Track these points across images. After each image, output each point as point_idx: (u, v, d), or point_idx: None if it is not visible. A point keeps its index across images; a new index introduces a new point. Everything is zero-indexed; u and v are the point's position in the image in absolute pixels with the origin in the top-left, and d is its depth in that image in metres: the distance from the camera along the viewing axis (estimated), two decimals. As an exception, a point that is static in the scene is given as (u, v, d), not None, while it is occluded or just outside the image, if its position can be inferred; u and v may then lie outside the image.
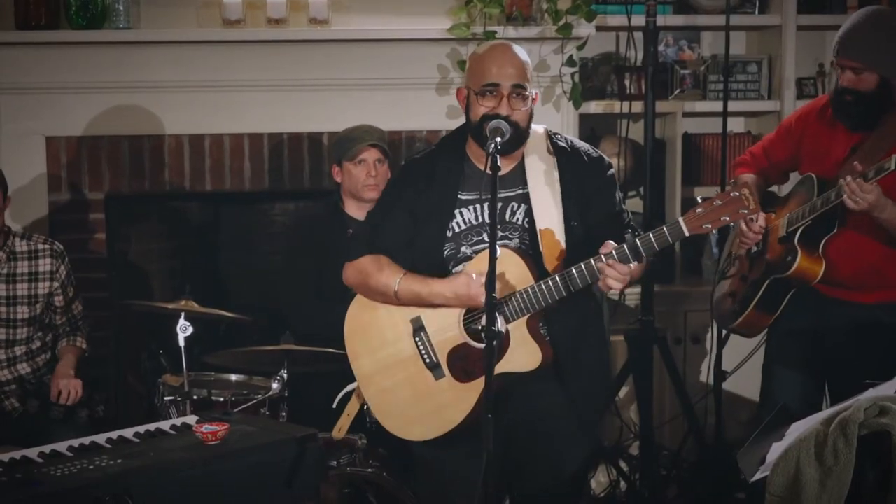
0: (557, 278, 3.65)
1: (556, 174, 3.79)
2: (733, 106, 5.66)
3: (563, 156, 3.83)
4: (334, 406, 4.20)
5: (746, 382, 5.56)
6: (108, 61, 5.35)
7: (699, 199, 3.61)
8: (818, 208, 4.13)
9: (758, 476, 3.52)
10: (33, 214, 5.43)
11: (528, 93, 3.71)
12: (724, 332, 5.14)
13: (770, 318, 4.42)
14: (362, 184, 4.82)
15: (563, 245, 3.73)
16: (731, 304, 4.56)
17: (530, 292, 3.66)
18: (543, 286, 3.65)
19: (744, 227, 4.32)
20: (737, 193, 3.54)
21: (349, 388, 4.13)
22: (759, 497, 3.50)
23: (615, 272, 3.57)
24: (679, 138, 5.76)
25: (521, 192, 3.79)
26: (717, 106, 5.67)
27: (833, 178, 4.14)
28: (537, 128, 3.87)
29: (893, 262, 4.22)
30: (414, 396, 3.81)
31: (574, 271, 3.63)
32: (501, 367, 3.69)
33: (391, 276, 3.80)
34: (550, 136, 3.87)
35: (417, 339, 3.79)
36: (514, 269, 3.69)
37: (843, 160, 4.19)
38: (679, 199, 5.70)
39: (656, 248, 3.60)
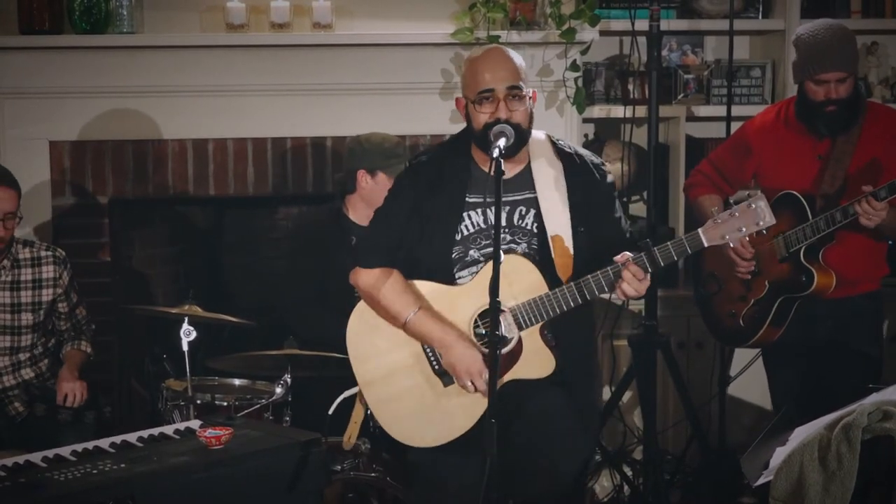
0: (573, 286, 3.64)
1: (563, 180, 3.79)
2: (737, 110, 5.65)
3: (569, 161, 3.82)
4: (330, 413, 4.17)
5: (750, 387, 5.57)
6: (111, 66, 5.36)
7: (716, 210, 3.60)
8: (822, 228, 4.30)
9: (761, 481, 3.52)
10: (37, 219, 5.44)
11: (524, 93, 3.70)
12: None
13: (780, 331, 4.55)
14: None
15: (572, 252, 3.73)
16: (733, 323, 4.66)
17: (545, 299, 3.66)
18: (559, 294, 3.65)
19: (735, 257, 4.49)
20: (753, 205, 3.55)
21: (346, 394, 4.10)
22: (764, 501, 3.50)
23: (635, 280, 3.57)
24: (682, 143, 5.76)
25: (528, 196, 3.78)
26: (721, 110, 5.67)
27: (814, 193, 4.38)
28: (538, 133, 3.86)
29: (877, 253, 4.49)
30: (421, 403, 3.80)
31: (591, 279, 3.63)
32: (514, 374, 3.69)
33: (406, 306, 3.76)
34: (554, 142, 3.86)
35: (426, 345, 3.79)
36: (527, 276, 3.69)
37: (816, 171, 4.42)
38: (682, 204, 5.69)
39: (675, 258, 3.61)
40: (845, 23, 5.75)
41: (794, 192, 4.40)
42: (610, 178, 3.90)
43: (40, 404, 4.72)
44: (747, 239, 4.45)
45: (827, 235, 4.32)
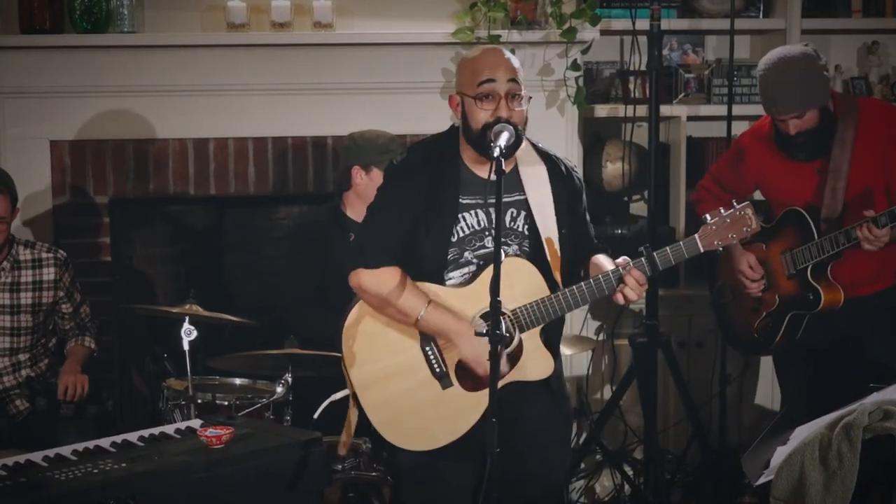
0: (576, 289, 3.66)
1: (547, 183, 3.79)
2: (737, 110, 5.65)
3: (551, 164, 3.83)
4: (315, 417, 4.15)
5: (751, 386, 5.57)
6: (112, 65, 5.36)
7: (709, 217, 3.65)
8: (827, 249, 4.34)
9: (762, 480, 3.52)
10: (37, 219, 5.43)
11: (522, 93, 3.70)
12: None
13: (794, 340, 4.57)
14: None
15: (560, 254, 3.74)
16: (749, 335, 4.71)
17: (548, 302, 3.66)
18: (562, 296, 3.66)
19: (744, 280, 4.57)
20: (740, 212, 3.63)
21: (334, 397, 4.06)
22: (765, 501, 3.50)
23: (638, 285, 3.60)
24: (683, 142, 5.76)
25: (518, 198, 3.77)
26: (722, 110, 5.67)
27: (818, 205, 4.40)
28: None
29: (887, 253, 4.41)
30: (418, 406, 3.77)
31: (593, 282, 3.65)
32: (514, 376, 3.69)
33: (416, 302, 3.70)
34: (534, 145, 3.87)
35: (427, 348, 3.76)
36: (529, 278, 3.69)
37: (816, 185, 4.43)
38: (683, 203, 5.70)
39: (672, 262, 3.66)
40: (846, 22, 5.82)
41: (800, 210, 4.43)
42: (581, 184, 3.92)
43: (42, 399, 4.73)
44: (755, 259, 4.51)
45: (834, 254, 4.35)
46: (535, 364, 3.73)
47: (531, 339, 3.72)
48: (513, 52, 3.91)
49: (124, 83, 5.39)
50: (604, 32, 5.55)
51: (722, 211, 3.65)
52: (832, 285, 4.41)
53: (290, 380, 4.47)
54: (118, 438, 3.61)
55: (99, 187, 5.50)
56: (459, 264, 3.77)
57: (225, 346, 5.15)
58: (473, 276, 3.75)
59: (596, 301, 3.79)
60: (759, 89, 4.44)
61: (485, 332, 3.65)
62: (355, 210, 4.88)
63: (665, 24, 5.41)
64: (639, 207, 5.91)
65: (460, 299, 3.75)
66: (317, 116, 5.50)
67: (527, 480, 3.78)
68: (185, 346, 4.35)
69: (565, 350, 4.65)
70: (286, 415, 4.50)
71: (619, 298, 3.65)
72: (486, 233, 3.75)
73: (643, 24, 5.37)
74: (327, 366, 4.38)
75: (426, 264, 3.76)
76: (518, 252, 3.76)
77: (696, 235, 3.65)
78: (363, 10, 5.49)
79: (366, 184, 4.84)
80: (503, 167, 3.47)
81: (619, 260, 3.67)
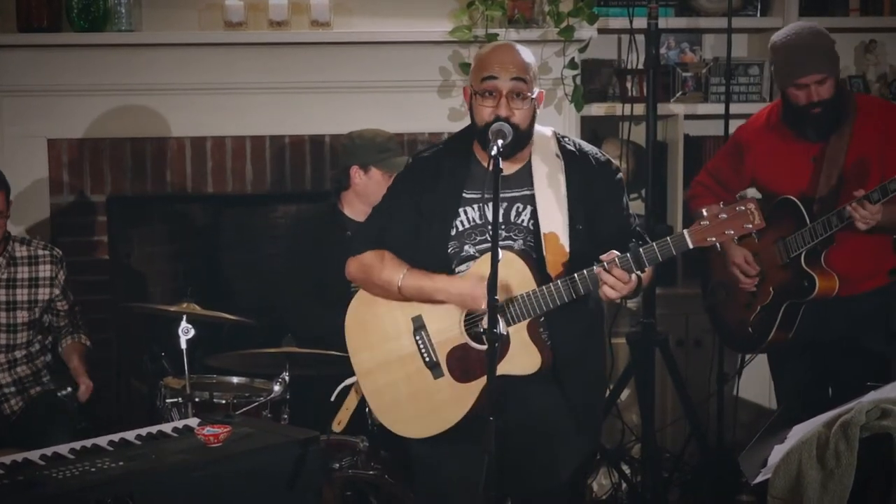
0: (560, 283, 3.64)
1: (562, 177, 3.77)
2: (735, 108, 5.66)
3: (571, 159, 3.81)
4: (332, 399, 4.18)
5: (748, 385, 5.56)
6: (109, 64, 5.36)
7: (704, 212, 3.58)
8: (820, 233, 4.32)
9: (760, 478, 3.52)
10: (35, 217, 5.43)
11: (528, 92, 3.69)
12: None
13: (789, 334, 4.55)
14: None
15: (568, 249, 3.72)
16: (743, 331, 4.70)
17: (532, 296, 3.65)
18: (545, 291, 3.64)
19: (739, 274, 4.56)
20: (742, 208, 3.54)
21: (347, 381, 4.11)
22: (763, 499, 3.50)
23: (615, 280, 3.56)
24: (680, 141, 5.76)
25: (527, 193, 3.77)
26: (719, 108, 5.67)
27: (812, 195, 4.39)
28: (545, 130, 3.85)
29: (881, 248, 4.46)
30: (412, 394, 3.81)
31: (577, 277, 3.62)
32: (500, 370, 3.66)
33: (395, 271, 3.77)
34: (559, 139, 3.85)
35: (418, 337, 3.78)
36: (516, 273, 3.68)
37: (811, 174, 4.44)
38: (680, 201, 5.69)
39: (660, 259, 3.59)
40: (843, 21, 5.82)
41: (792, 198, 4.42)
42: (619, 175, 3.88)
43: (37, 388, 4.75)
44: (751, 255, 4.50)
45: (827, 238, 4.32)
46: (521, 359, 3.71)
47: (518, 334, 3.71)
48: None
49: (122, 82, 5.39)
50: (601, 31, 5.55)
51: (721, 205, 3.59)
52: (826, 272, 4.39)
53: (287, 378, 4.47)
54: (116, 437, 3.61)
55: (97, 186, 5.50)
56: (462, 258, 3.79)
57: (222, 344, 5.15)
58: None
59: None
60: (779, 59, 4.43)
61: (481, 330, 3.68)
62: (353, 209, 4.89)
63: (663, 23, 5.41)
64: (636, 206, 5.89)
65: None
66: (314, 115, 5.50)
67: (525, 476, 3.78)
68: (183, 345, 4.35)
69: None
70: (283, 413, 4.50)
71: (602, 296, 3.65)
72: (488, 227, 3.74)
73: (641, 22, 5.36)
74: (325, 364, 4.39)
75: (428, 257, 3.78)
76: (523, 247, 3.76)
77: (686, 231, 3.57)
78: (360, 9, 5.48)
79: (364, 183, 4.85)
80: (501, 164, 3.48)
81: (605, 256, 3.61)
